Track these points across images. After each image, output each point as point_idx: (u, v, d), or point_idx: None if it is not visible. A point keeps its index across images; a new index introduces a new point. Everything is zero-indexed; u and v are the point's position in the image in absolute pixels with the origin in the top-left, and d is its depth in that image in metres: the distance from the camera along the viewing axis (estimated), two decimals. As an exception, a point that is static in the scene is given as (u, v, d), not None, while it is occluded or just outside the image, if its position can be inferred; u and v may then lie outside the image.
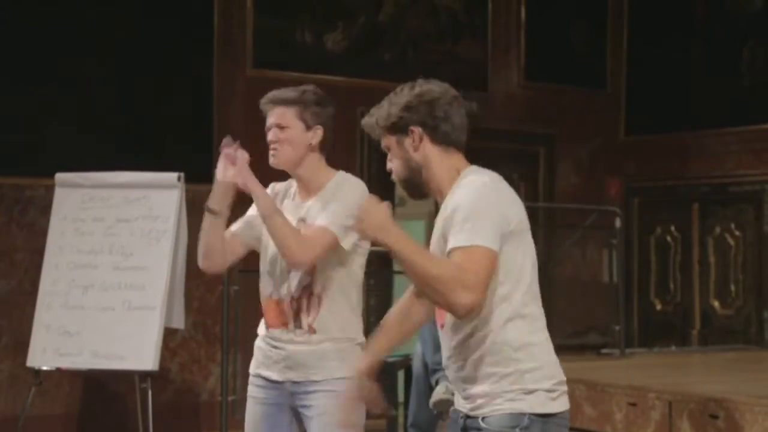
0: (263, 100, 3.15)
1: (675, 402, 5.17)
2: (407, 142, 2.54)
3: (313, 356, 3.04)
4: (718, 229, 8.33)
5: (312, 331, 3.04)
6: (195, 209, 6.20)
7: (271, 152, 3.11)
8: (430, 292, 2.37)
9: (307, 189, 3.14)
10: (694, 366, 7.20)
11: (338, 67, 7.30)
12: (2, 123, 6.12)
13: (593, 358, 7.53)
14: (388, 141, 2.58)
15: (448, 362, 2.57)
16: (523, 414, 2.42)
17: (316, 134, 3.12)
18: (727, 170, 8.17)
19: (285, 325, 3.07)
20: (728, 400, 4.97)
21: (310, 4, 7.29)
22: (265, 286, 3.14)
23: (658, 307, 8.64)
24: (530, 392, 2.44)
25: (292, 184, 3.20)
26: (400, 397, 5.86)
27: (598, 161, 8.56)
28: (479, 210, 2.39)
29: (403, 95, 2.55)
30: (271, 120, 3.11)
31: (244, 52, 6.94)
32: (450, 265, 2.35)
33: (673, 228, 8.59)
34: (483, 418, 2.46)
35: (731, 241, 8.26)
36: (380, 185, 7.95)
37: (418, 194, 2.59)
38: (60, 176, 5.67)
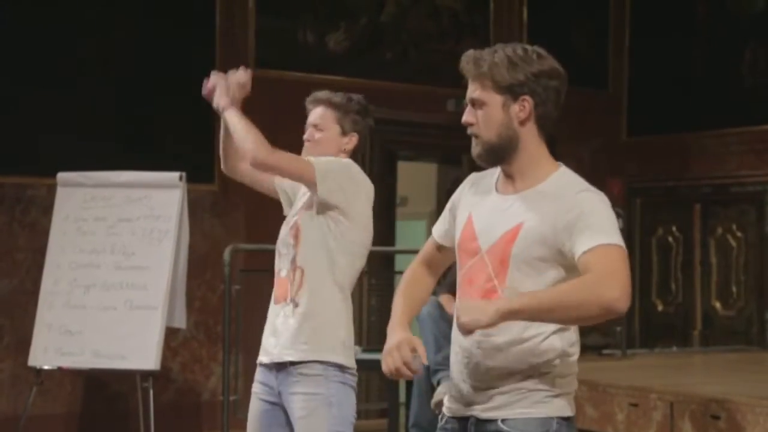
0: (308, 98, 3.27)
1: (676, 403, 5.17)
2: (515, 109, 2.32)
3: (294, 330, 3.05)
4: (719, 230, 8.33)
5: (295, 304, 3.07)
6: (197, 209, 6.24)
7: (304, 149, 3.20)
8: (586, 315, 2.15)
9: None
10: (696, 367, 7.20)
11: (340, 67, 7.30)
12: (4, 122, 6.12)
13: (595, 359, 7.53)
14: (489, 97, 2.31)
15: (460, 359, 2.37)
16: (551, 418, 2.30)
17: (351, 141, 3.21)
18: (729, 171, 8.16)
19: (285, 299, 3.12)
20: (730, 401, 4.97)
21: (311, 4, 7.30)
22: (276, 266, 3.20)
23: (660, 307, 8.64)
24: (557, 396, 2.31)
25: None
26: (402, 398, 5.86)
27: (600, 162, 8.56)
28: (612, 220, 2.26)
29: (531, 60, 2.33)
30: (309, 119, 3.23)
31: (246, 52, 6.94)
32: (583, 278, 2.16)
33: (674, 229, 8.59)
34: (503, 420, 2.30)
35: (733, 242, 8.26)
36: (381, 186, 7.98)
37: (493, 162, 2.36)
38: (62, 176, 5.68)
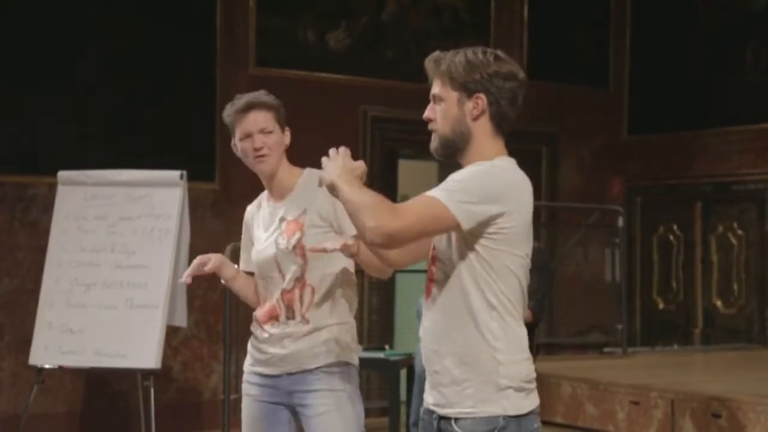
0: (240, 104, 3.11)
1: (677, 401, 5.17)
2: (468, 106, 2.43)
3: (304, 346, 3.03)
4: (720, 228, 8.33)
5: (305, 321, 3.04)
6: (197, 207, 6.24)
7: (258, 158, 3.10)
8: (357, 221, 2.31)
9: (279, 191, 3.14)
10: (697, 365, 7.21)
11: (341, 66, 7.30)
12: (4, 121, 6.12)
13: (596, 357, 7.53)
14: (447, 93, 2.44)
15: (424, 344, 2.47)
16: (496, 417, 2.34)
17: (288, 136, 3.15)
18: (730, 169, 8.16)
19: (276, 318, 3.08)
20: (731, 399, 4.97)
21: (312, 3, 7.30)
22: (261, 288, 3.15)
23: (661, 306, 8.63)
24: (503, 389, 2.35)
25: (261, 195, 3.22)
26: (402, 396, 5.86)
27: (601, 160, 8.56)
28: (469, 179, 2.36)
29: (488, 62, 2.42)
30: (252, 125, 3.09)
31: (247, 51, 6.94)
32: (382, 198, 2.32)
33: (675, 227, 8.58)
34: (456, 420, 2.37)
35: (734, 240, 8.25)
36: (382, 184, 7.98)
37: (448, 156, 2.48)
38: (62, 174, 5.67)
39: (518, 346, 2.39)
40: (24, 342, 5.68)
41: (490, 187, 2.36)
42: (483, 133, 2.44)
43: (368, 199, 2.30)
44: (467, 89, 2.42)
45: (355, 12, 7.46)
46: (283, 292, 3.06)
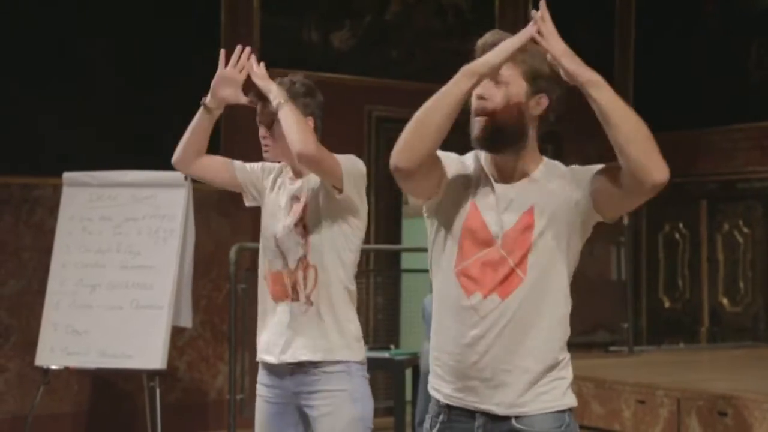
0: (255, 93, 3.15)
1: (683, 399, 5.16)
2: (533, 102, 2.31)
3: (311, 329, 3.02)
4: (726, 227, 8.31)
5: (309, 303, 3.04)
6: (202, 208, 6.24)
7: (263, 148, 3.13)
8: (638, 147, 2.32)
9: (297, 172, 3.14)
10: (703, 363, 7.19)
11: (345, 66, 7.30)
12: (9, 123, 6.13)
13: (602, 356, 7.52)
14: (516, 80, 2.29)
15: (469, 346, 2.29)
16: (563, 411, 2.30)
17: (309, 122, 3.10)
18: (736, 167, 8.15)
19: (287, 297, 3.07)
20: (737, 397, 4.96)
21: (316, 3, 7.30)
22: (265, 261, 3.15)
23: (667, 304, 8.62)
24: (569, 386, 2.33)
25: (284, 168, 3.21)
26: (408, 395, 5.86)
27: (606, 159, 8.50)
28: None
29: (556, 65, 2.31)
30: (257, 118, 3.15)
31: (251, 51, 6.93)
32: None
33: (681, 225, 8.57)
34: (517, 418, 2.26)
35: (740, 239, 8.24)
36: (387, 182, 7.97)
37: (495, 143, 2.30)
38: (67, 175, 5.68)
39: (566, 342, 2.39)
40: (30, 343, 5.69)
41: None
42: (533, 133, 2.36)
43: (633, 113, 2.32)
44: (537, 86, 2.31)
45: (360, 12, 7.46)
46: (290, 272, 3.06)
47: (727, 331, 8.22)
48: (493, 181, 2.36)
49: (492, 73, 2.24)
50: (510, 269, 2.28)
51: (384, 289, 7.38)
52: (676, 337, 8.38)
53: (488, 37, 2.34)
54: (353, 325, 3.06)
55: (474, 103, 2.29)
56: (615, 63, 8.68)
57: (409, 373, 5.76)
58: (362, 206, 3.06)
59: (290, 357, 3.04)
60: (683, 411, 5.14)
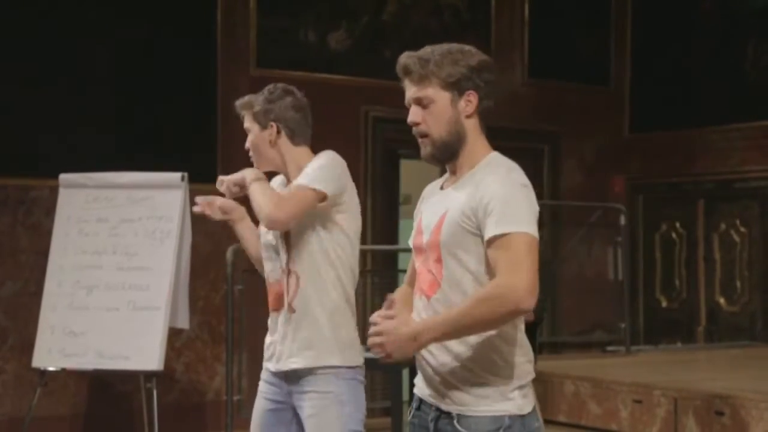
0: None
1: (680, 399, 5.17)
2: (461, 104, 2.36)
3: (297, 336, 3.03)
4: (723, 226, 8.32)
5: (292, 310, 3.05)
6: (199, 209, 6.23)
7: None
8: (497, 323, 2.25)
9: (290, 181, 3.16)
10: (700, 363, 7.20)
11: (342, 66, 7.30)
12: (5, 124, 6.12)
13: (599, 356, 7.52)
14: (437, 94, 2.35)
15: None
16: (502, 416, 2.33)
17: (272, 131, 3.13)
18: (732, 167, 8.15)
19: (280, 306, 3.09)
20: (734, 396, 4.97)
21: (313, 4, 7.29)
22: (266, 272, 3.18)
23: (664, 304, 8.63)
24: (513, 390, 2.34)
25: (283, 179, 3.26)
26: (405, 396, 5.85)
27: (603, 159, 8.55)
28: (517, 199, 2.29)
29: (470, 54, 2.37)
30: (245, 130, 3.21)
31: (248, 52, 6.94)
32: (488, 289, 2.24)
33: (678, 225, 8.58)
34: (458, 420, 2.34)
35: (736, 238, 8.24)
36: (383, 184, 7.97)
37: (446, 159, 2.40)
38: (64, 177, 5.68)
39: (523, 346, 2.39)
40: (27, 345, 5.69)
41: (532, 207, 2.33)
42: (473, 130, 2.40)
43: (477, 303, 2.26)
44: (459, 87, 2.36)
45: (356, 12, 7.46)
46: (278, 281, 3.09)
47: (724, 331, 8.23)
48: (439, 191, 2.48)
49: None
50: (430, 270, 2.38)
51: (381, 289, 7.37)
52: (673, 337, 8.39)
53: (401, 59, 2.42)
54: (344, 330, 3.05)
55: (413, 129, 2.42)
56: (612, 63, 8.69)
57: (405, 373, 5.75)
58: (345, 197, 3.04)
59: (283, 366, 3.07)
60: (680, 410, 5.15)
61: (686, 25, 8.43)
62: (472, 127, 2.40)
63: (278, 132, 3.11)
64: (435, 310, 2.36)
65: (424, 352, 2.39)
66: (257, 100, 3.14)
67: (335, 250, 3.04)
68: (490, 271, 2.29)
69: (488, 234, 2.26)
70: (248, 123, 3.15)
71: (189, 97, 6.65)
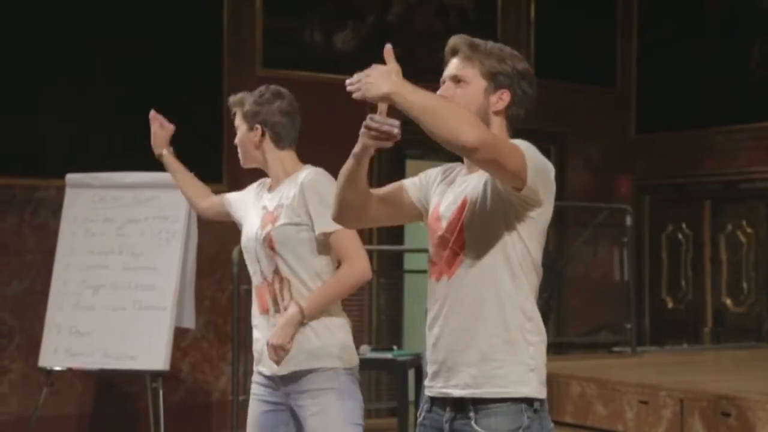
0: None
1: (687, 400, 5.16)
2: (493, 98, 2.38)
3: (294, 340, 3.03)
4: (729, 227, 8.31)
5: None
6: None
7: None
8: (440, 132, 2.15)
9: (273, 182, 3.22)
10: (706, 364, 7.18)
11: (347, 66, 7.23)
12: (12, 124, 6.14)
13: (605, 357, 7.51)
14: (475, 79, 2.37)
15: (429, 329, 2.42)
16: (521, 413, 2.30)
17: (257, 133, 3.17)
18: (738, 167, 8.14)
19: (267, 311, 3.11)
20: (740, 398, 4.96)
21: (319, 4, 7.30)
22: (250, 275, 3.21)
23: (670, 305, 8.61)
24: (531, 371, 2.33)
25: (267, 182, 3.29)
26: (411, 396, 5.86)
27: (609, 159, 8.54)
28: (530, 150, 2.31)
29: (519, 59, 2.40)
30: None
31: (254, 52, 6.94)
32: (463, 108, 2.23)
33: (684, 226, 8.57)
34: (476, 420, 2.31)
35: (743, 239, 8.23)
36: (389, 183, 7.92)
37: None
38: (70, 177, 5.69)
39: (538, 326, 2.38)
40: (33, 344, 5.70)
41: (549, 174, 2.34)
42: (499, 129, 2.40)
43: (455, 107, 2.20)
44: (496, 82, 2.37)
45: (362, 12, 7.47)
46: (268, 284, 3.10)
47: (730, 332, 8.21)
48: (461, 175, 2.47)
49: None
50: (451, 249, 2.37)
51: (387, 290, 7.37)
52: (679, 338, 8.38)
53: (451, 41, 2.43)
54: (341, 332, 3.07)
55: None
56: (618, 64, 8.68)
57: (411, 373, 5.76)
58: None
59: (280, 370, 3.07)
60: (686, 412, 5.14)
61: (692, 25, 8.42)
62: (497, 125, 2.40)
63: (263, 135, 3.16)
64: (455, 289, 2.36)
65: (434, 336, 2.38)
66: (248, 99, 3.20)
67: (322, 255, 3.07)
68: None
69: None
70: (238, 121, 3.22)
71: (195, 97, 6.65)
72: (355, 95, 2.24)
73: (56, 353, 5.42)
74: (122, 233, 5.53)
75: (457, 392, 2.35)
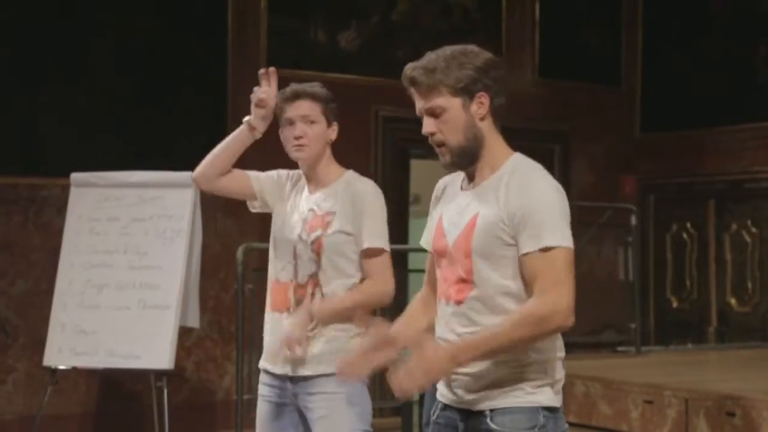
0: (287, 92, 3.13)
1: (691, 400, 5.15)
2: (473, 108, 2.34)
3: (312, 344, 3.04)
4: (734, 226, 8.30)
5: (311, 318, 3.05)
6: (209, 208, 6.24)
7: (296, 146, 3.11)
8: (537, 342, 2.25)
9: (316, 183, 3.16)
10: (711, 364, 7.17)
11: (352, 66, 7.30)
12: (17, 124, 6.14)
13: (609, 356, 7.51)
14: (448, 102, 2.33)
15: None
16: (537, 411, 2.31)
17: (334, 131, 3.14)
18: (743, 167, 8.13)
19: (287, 309, 3.09)
20: (745, 397, 4.95)
21: (323, 3, 7.30)
22: (273, 269, 3.17)
23: (675, 304, 8.61)
24: (545, 385, 2.33)
25: (301, 177, 3.22)
26: (415, 396, 5.85)
27: (613, 159, 8.53)
28: (554, 210, 2.32)
29: (474, 56, 2.34)
30: (295, 112, 3.10)
31: (258, 51, 6.94)
32: (530, 308, 2.23)
33: (689, 225, 8.56)
34: (491, 418, 2.30)
35: (747, 238, 8.22)
36: (394, 184, 7.96)
37: (466, 164, 2.38)
38: (75, 176, 5.69)
39: (558, 341, 2.39)
40: (38, 343, 5.70)
41: (567, 215, 2.36)
42: (490, 131, 2.38)
43: (518, 324, 2.22)
44: (469, 91, 2.34)
45: (366, 12, 7.46)
46: (297, 286, 3.08)
47: (735, 331, 8.20)
48: (460, 192, 2.44)
49: None
50: (458, 274, 2.34)
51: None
52: (684, 338, 8.37)
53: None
54: (358, 340, 3.04)
55: (429, 139, 2.38)
56: (622, 63, 8.67)
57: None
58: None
59: (291, 371, 3.07)
60: (691, 411, 5.13)
61: (697, 24, 8.41)
62: (488, 129, 2.38)
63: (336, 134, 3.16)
64: (468, 316, 2.33)
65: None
66: (326, 94, 3.13)
67: (355, 269, 3.09)
68: (524, 281, 2.29)
69: (526, 248, 2.26)
70: (315, 114, 3.10)
71: (200, 96, 6.66)
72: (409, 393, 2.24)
73: (61, 352, 5.43)
74: (127, 232, 5.53)
75: (473, 407, 2.34)
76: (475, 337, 2.26)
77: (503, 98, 2.38)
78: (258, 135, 3.19)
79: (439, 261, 2.43)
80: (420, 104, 2.38)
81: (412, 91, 2.39)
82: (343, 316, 3.03)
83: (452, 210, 2.42)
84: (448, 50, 2.37)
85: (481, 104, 2.35)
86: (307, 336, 3.00)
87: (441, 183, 2.54)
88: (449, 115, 2.34)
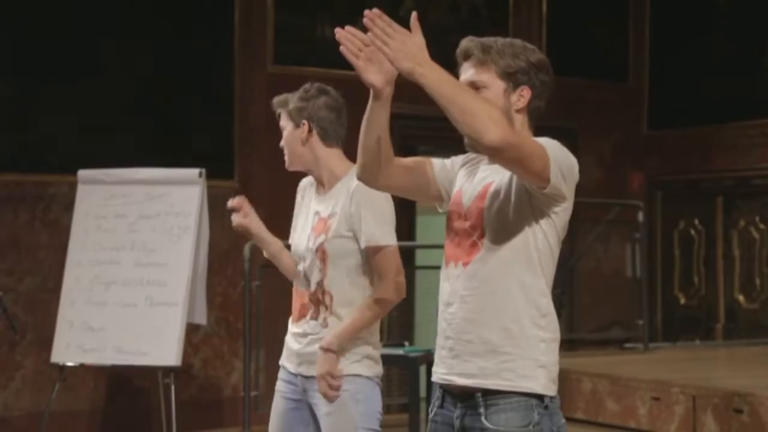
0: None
1: (699, 396, 5.15)
2: (514, 97, 2.37)
3: (317, 349, 3.05)
4: (742, 223, 8.28)
5: (325, 324, 3.06)
6: (216, 205, 6.25)
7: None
8: (464, 126, 2.16)
9: (323, 185, 3.16)
10: (719, 360, 7.17)
11: (359, 63, 7.29)
12: (24, 121, 6.15)
13: (617, 353, 7.50)
14: (493, 82, 2.35)
15: (442, 314, 2.41)
16: (531, 409, 2.30)
17: (304, 129, 3.13)
18: (751, 163, 8.11)
19: (304, 317, 3.11)
20: (753, 394, 4.94)
21: (330, 0, 7.29)
22: (296, 279, 3.20)
23: (682, 301, 8.59)
24: (542, 366, 2.32)
25: (313, 183, 3.24)
26: (422, 392, 5.85)
27: (621, 155, 8.52)
28: (559, 151, 2.35)
29: (531, 51, 2.38)
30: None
31: (265, 49, 6.94)
32: (492, 105, 2.22)
33: (696, 221, 8.54)
34: (486, 417, 2.30)
35: (756, 235, 8.20)
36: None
37: None
38: (82, 173, 5.71)
39: (552, 323, 2.37)
40: (46, 340, 5.72)
41: (574, 170, 2.37)
42: (523, 126, 2.40)
43: (482, 103, 2.17)
44: (514, 80, 2.36)
45: (373, 8, 7.45)
46: (311, 293, 3.09)
47: (743, 328, 8.18)
48: (484, 163, 2.45)
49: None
50: (470, 237, 2.37)
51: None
52: (691, 334, 8.35)
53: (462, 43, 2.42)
54: (370, 347, 3.07)
55: None
56: (630, 59, 8.65)
57: (423, 369, 5.75)
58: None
59: (305, 371, 3.09)
60: (699, 408, 5.13)
61: (705, 20, 8.38)
62: (520, 123, 2.39)
63: (310, 131, 3.11)
64: (471, 277, 2.35)
65: (445, 322, 2.38)
66: (292, 98, 3.15)
67: (366, 273, 3.06)
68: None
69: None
70: (283, 121, 3.16)
71: (207, 94, 6.66)
72: (385, 52, 2.28)
73: (68, 349, 5.44)
74: (134, 229, 5.54)
75: (461, 380, 2.35)
76: (452, 77, 2.23)
77: (542, 102, 2.41)
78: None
79: (451, 225, 2.44)
80: (465, 76, 2.38)
81: (463, 63, 2.39)
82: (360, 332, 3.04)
83: (471, 183, 2.44)
84: (509, 39, 2.41)
85: (522, 97, 2.37)
86: (339, 372, 3.01)
87: (466, 156, 2.51)
88: (489, 93, 2.35)
